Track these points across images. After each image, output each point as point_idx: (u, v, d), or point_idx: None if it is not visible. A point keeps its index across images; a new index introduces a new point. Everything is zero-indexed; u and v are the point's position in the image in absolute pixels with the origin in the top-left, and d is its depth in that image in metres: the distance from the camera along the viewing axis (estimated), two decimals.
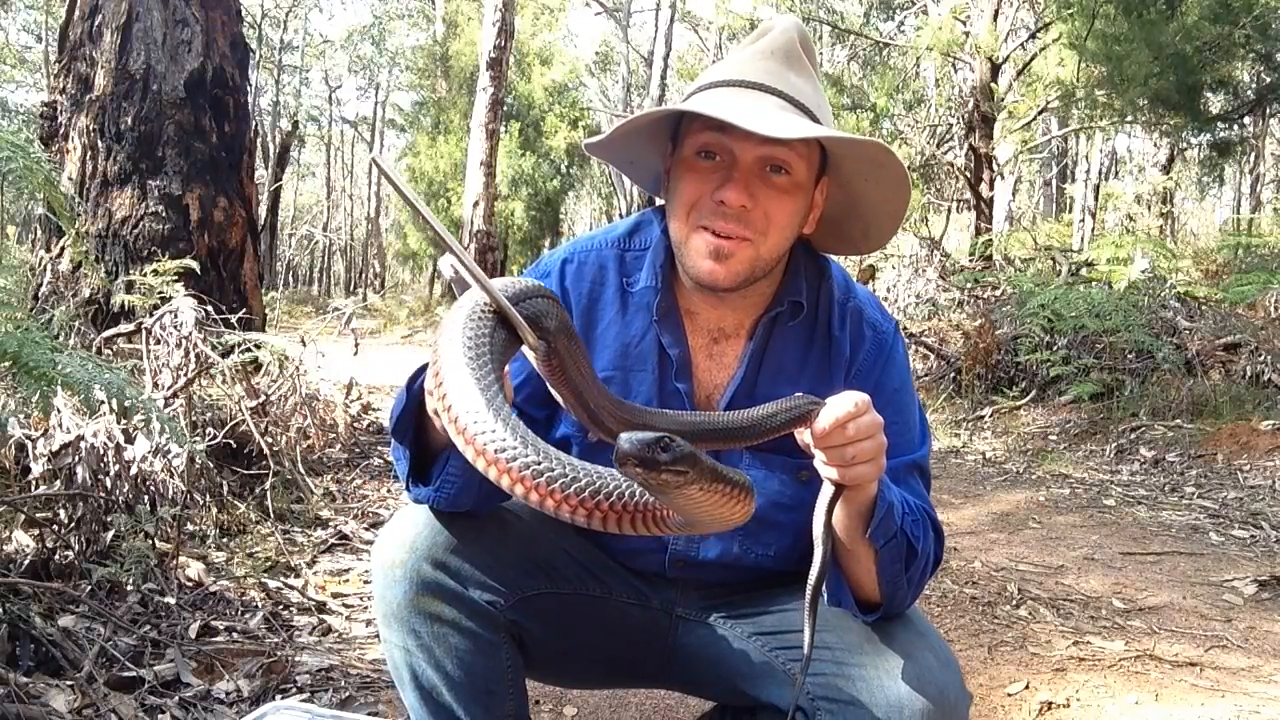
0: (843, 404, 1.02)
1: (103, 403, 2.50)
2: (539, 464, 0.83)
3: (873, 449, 1.03)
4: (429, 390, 0.92)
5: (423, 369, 1.15)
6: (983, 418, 6.33)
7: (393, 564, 1.22)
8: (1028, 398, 6.42)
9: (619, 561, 1.37)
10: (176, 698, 1.89)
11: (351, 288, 35.96)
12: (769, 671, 1.28)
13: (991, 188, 11.26)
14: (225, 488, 3.10)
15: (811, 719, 1.20)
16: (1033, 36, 12.06)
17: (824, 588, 1.29)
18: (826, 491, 1.09)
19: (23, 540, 2.30)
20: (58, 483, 2.49)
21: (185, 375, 3.17)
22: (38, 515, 2.38)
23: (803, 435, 1.06)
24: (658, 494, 0.83)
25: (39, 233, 4.34)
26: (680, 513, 0.88)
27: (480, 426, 0.84)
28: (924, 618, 1.28)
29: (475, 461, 0.85)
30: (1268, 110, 12.18)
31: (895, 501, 1.15)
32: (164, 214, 4.20)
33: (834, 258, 1.39)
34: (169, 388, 3.12)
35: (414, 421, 1.19)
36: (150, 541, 2.45)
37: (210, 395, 3.43)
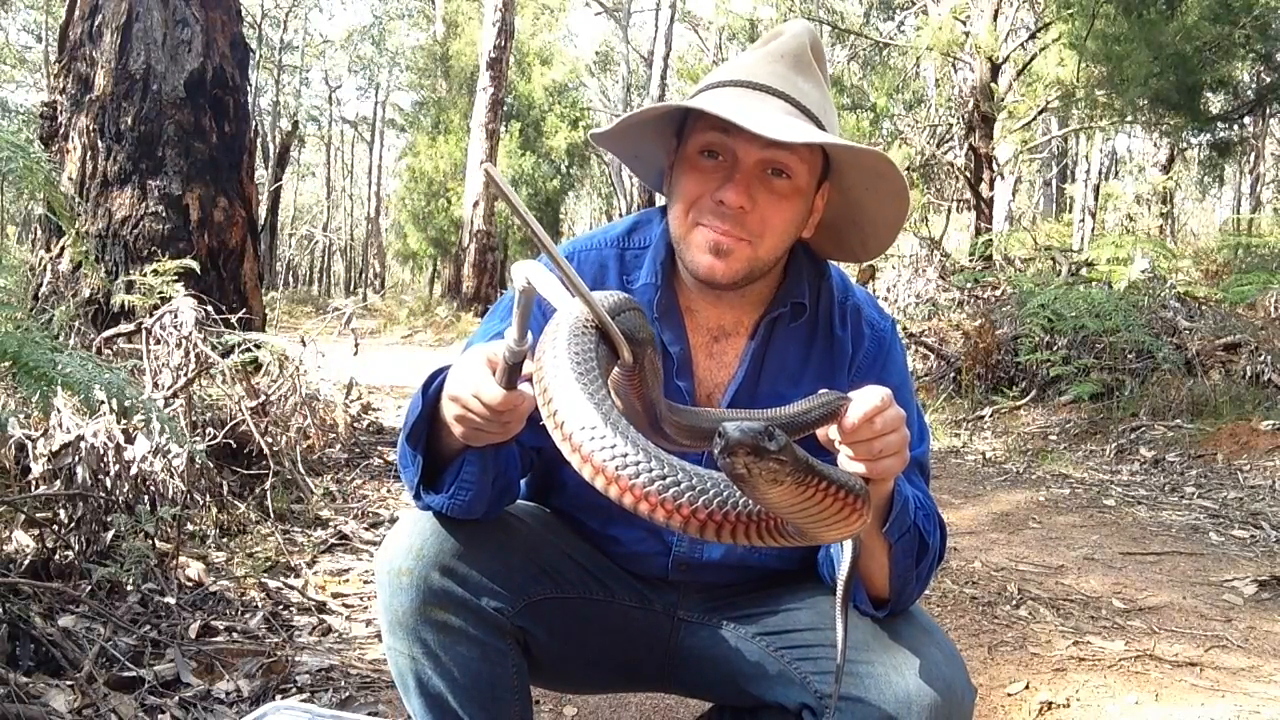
0: (870, 398, 1.02)
1: (103, 403, 2.50)
2: (664, 477, 0.81)
3: (898, 442, 1.03)
4: (541, 410, 0.90)
5: (436, 374, 1.14)
6: (983, 418, 6.33)
7: (399, 572, 1.20)
8: (1028, 398, 6.42)
9: (621, 565, 1.37)
10: (176, 698, 1.89)
11: (351, 288, 35.98)
12: (774, 671, 1.28)
13: (991, 188, 11.27)
14: (225, 488, 3.10)
15: (820, 717, 1.20)
16: (1033, 36, 12.06)
17: (833, 581, 1.29)
18: None
19: (23, 540, 2.30)
20: (58, 483, 2.48)
21: (185, 375, 3.17)
22: (38, 515, 2.38)
23: (826, 432, 1.06)
24: (757, 486, 0.80)
25: (39, 233, 4.33)
26: (789, 517, 0.86)
27: (597, 444, 0.83)
28: (927, 615, 1.29)
29: (594, 480, 0.83)
30: (1268, 110, 12.19)
31: (909, 496, 1.16)
32: (164, 214, 4.20)
33: None
34: (169, 388, 3.12)
35: (427, 428, 1.17)
36: (150, 541, 2.45)
37: (210, 395, 3.43)
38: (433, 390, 1.13)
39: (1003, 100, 11.33)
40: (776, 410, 1.08)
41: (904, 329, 7.54)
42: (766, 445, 0.75)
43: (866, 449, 1.02)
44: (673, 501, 0.81)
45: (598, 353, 0.92)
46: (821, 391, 1.08)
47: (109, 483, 2.54)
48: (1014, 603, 2.84)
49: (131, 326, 3.48)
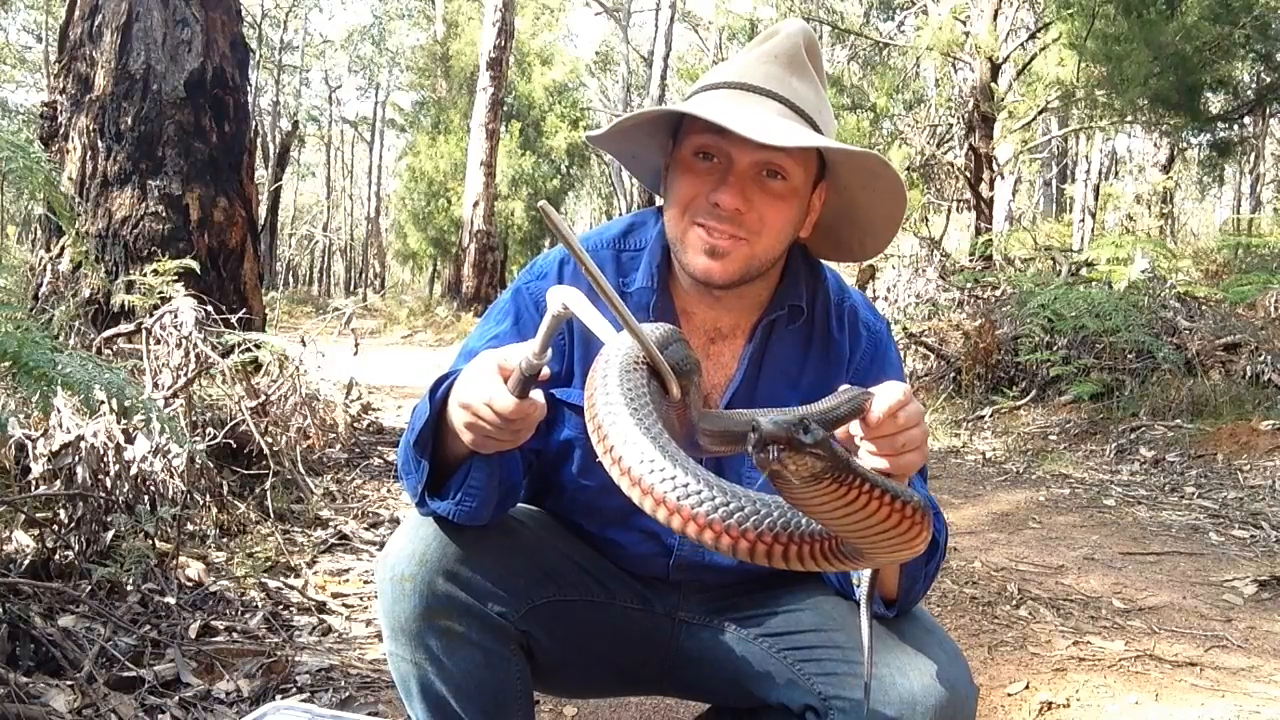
0: (893, 392, 1.02)
1: (103, 403, 2.49)
2: (726, 504, 0.81)
3: (920, 437, 1.03)
4: (595, 447, 0.90)
5: (442, 380, 1.14)
6: (983, 418, 6.33)
7: (401, 578, 1.19)
8: (1028, 398, 6.42)
9: (622, 566, 1.36)
10: (176, 698, 1.89)
11: (351, 288, 35.99)
12: (777, 673, 1.28)
13: (991, 188, 11.26)
14: (225, 488, 3.10)
15: (825, 718, 1.20)
16: (1033, 36, 12.06)
17: (836, 581, 1.29)
18: None
19: (23, 540, 2.30)
20: (58, 483, 2.48)
21: (185, 375, 3.17)
22: (38, 515, 2.38)
23: (847, 428, 1.06)
24: (794, 484, 0.77)
25: (39, 233, 4.34)
26: (842, 531, 0.84)
27: (657, 476, 0.83)
28: (929, 615, 1.29)
29: (655, 511, 0.83)
30: (1268, 110, 12.19)
31: (923, 493, 1.15)
32: (164, 214, 4.19)
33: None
34: (169, 388, 3.12)
35: (433, 434, 1.16)
36: (150, 541, 2.45)
37: (210, 395, 3.43)
38: (439, 396, 1.13)
39: (1003, 100, 11.32)
40: (806, 408, 1.07)
41: (904, 329, 7.54)
42: (801, 438, 0.73)
43: (890, 444, 1.02)
44: (737, 527, 0.81)
45: (649, 388, 0.93)
46: (844, 387, 1.08)
47: (109, 483, 2.54)
48: (1014, 603, 2.84)
49: (131, 326, 3.48)
